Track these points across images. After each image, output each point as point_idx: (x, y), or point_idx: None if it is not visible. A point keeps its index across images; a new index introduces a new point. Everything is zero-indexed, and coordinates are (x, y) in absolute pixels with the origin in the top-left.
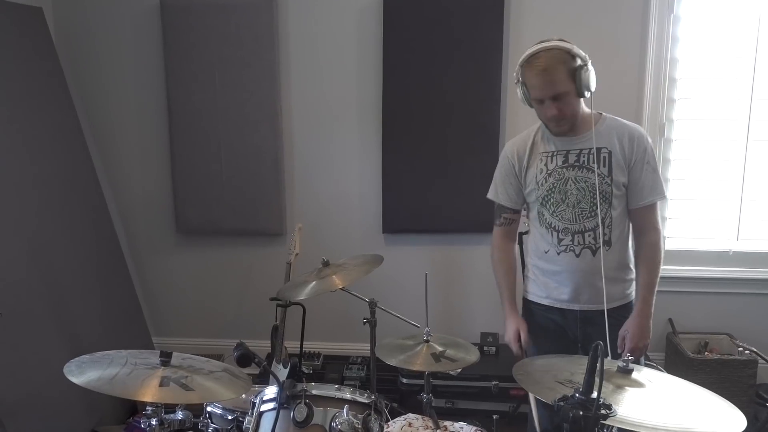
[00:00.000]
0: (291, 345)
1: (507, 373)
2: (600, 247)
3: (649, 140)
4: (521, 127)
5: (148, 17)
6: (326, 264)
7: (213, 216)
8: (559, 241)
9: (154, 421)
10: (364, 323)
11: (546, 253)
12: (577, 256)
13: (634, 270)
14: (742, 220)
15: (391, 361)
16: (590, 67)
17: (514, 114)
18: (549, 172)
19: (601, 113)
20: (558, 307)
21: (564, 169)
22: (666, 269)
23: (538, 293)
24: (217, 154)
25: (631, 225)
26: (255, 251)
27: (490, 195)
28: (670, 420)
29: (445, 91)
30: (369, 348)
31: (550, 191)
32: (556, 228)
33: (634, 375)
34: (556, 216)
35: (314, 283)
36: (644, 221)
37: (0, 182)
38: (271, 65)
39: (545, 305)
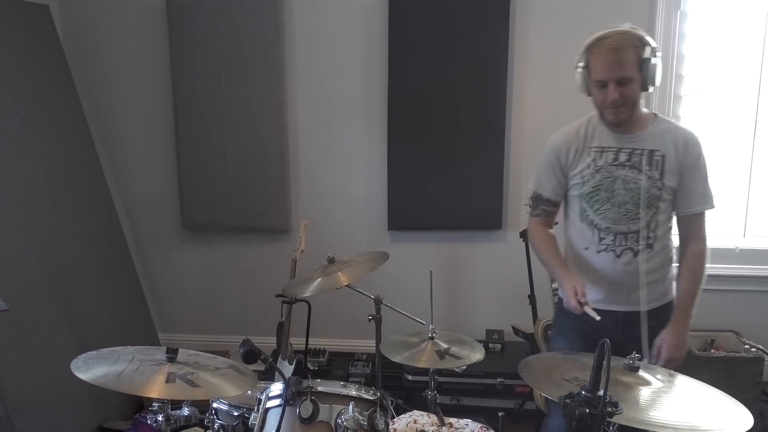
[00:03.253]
0: (296, 342)
1: (512, 370)
2: (641, 249)
3: (703, 147)
4: (527, 123)
5: (154, 14)
6: (331, 261)
7: (219, 213)
8: (600, 240)
9: (160, 417)
10: (370, 320)
11: (586, 249)
12: (618, 256)
13: (674, 270)
14: (748, 218)
15: (396, 358)
16: (659, 61)
17: (520, 110)
18: (597, 168)
19: (655, 114)
20: (593, 307)
21: (614, 167)
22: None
23: None
24: (223, 152)
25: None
26: (260, 248)
27: (531, 186)
28: (676, 418)
29: (451, 88)
30: (374, 345)
31: (596, 188)
32: (599, 226)
33: (641, 373)
34: (600, 214)
35: (320, 279)
36: (691, 229)
37: (7, 179)
38: (277, 62)
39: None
